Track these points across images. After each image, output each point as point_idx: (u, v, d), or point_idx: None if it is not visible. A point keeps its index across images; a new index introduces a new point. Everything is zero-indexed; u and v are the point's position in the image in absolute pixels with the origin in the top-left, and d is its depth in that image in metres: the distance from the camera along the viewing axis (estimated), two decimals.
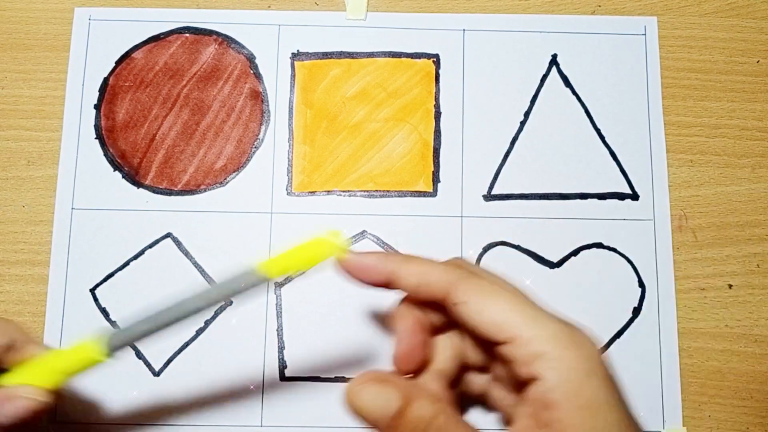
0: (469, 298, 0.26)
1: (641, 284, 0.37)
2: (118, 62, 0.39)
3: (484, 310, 0.26)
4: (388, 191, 0.38)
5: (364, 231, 0.38)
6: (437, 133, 0.39)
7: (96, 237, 0.38)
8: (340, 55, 0.40)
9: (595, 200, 0.38)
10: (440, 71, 0.40)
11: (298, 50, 0.40)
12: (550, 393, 0.24)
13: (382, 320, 0.37)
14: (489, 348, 0.27)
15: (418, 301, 0.28)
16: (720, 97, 0.40)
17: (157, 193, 0.38)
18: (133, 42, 0.40)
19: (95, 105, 0.39)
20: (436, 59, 0.40)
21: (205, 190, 0.38)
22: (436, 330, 0.29)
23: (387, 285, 0.28)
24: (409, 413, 0.25)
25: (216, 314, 0.37)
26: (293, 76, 0.40)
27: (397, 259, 0.28)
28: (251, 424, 0.36)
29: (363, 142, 0.39)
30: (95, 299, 0.37)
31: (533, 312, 0.26)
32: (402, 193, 0.38)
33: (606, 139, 0.39)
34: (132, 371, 0.36)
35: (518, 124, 0.39)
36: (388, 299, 0.37)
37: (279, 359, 0.37)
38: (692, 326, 0.37)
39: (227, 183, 0.38)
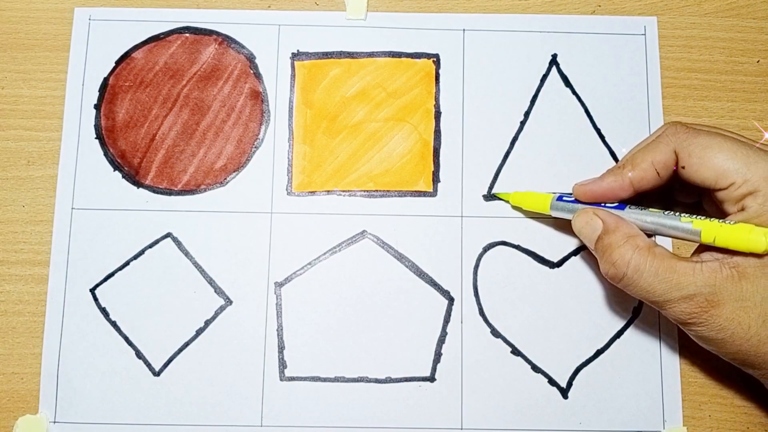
0: (691, 160, 0.31)
1: None
2: (118, 62, 0.39)
3: (706, 165, 0.30)
4: (388, 191, 0.38)
5: (364, 231, 0.38)
6: (437, 133, 0.39)
7: (96, 237, 0.38)
8: (340, 55, 0.40)
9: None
10: (440, 71, 0.40)
11: (298, 50, 0.40)
12: (752, 220, 0.29)
13: (382, 320, 0.37)
14: (701, 191, 0.33)
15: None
16: (720, 97, 0.40)
17: (157, 193, 0.38)
18: (133, 42, 0.40)
19: (95, 105, 0.39)
20: (436, 59, 0.40)
21: (205, 190, 0.38)
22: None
23: (631, 194, 0.33)
24: (607, 239, 0.32)
25: (216, 314, 0.37)
26: (293, 76, 0.40)
27: (626, 169, 0.33)
28: (251, 424, 0.36)
29: (363, 142, 0.39)
30: (95, 299, 0.37)
31: (753, 155, 0.30)
32: (402, 193, 0.38)
33: (606, 139, 0.39)
34: (132, 371, 0.36)
35: (518, 124, 0.39)
36: (388, 298, 0.37)
37: (279, 359, 0.37)
38: None
39: (227, 183, 0.38)
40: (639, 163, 0.32)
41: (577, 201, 0.35)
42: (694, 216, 0.31)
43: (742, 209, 0.30)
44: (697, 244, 0.31)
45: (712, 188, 0.31)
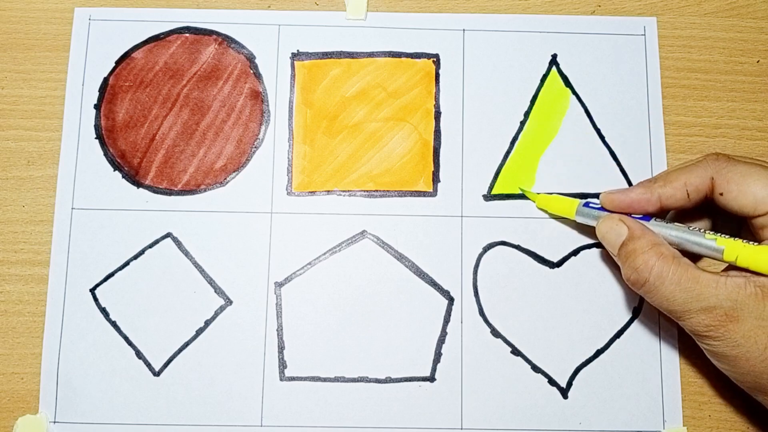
0: (729, 186, 0.31)
1: None
2: (118, 62, 0.39)
3: (744, 192, 0.31)
4: (388, 191, 0.38)
5: (364, 231, 0.38)
6: (437, 133, 0.39)
7: (96, 237, 0.38)
8: (340, 55, 0.40)
9: (595, 200, 0.38)
10: (440, 71, 0.40)
11: (298, 50, 0.40)
12: None
13: (382, 320, 0.37)
14: (739, 221, 0.33)
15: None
16: (720, 97, 0.40)
17: (157, 193, 0.38)
18: (133, 42, 0.40)
19: (95, 105, 0.39)
20: (436, 59, 0.40)
21: (205, 190, 0.38)
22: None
23: (658, 209, 0.33)
24: (631, 245, 0.32)
25: (216, 314, 0.37)
26: (293, 76, 0.40)
27: (658, 184, 0.33)
28: (251, 424, 0.36)
29: (363, 142, 0.39)
30: (95, 299, 0.37)
31: None
32: (402, 193, 0.38)
33: (606, 139, 0.39)
34: (132, 371, 0.36)
35: (518, 124, 0.39)
36: (388, 298, 0.37)
37: (279, 359, 0.37)
38: None
39: (227, 183, 0.38)
40: (672, 180, 0.33)
41: (602, 209, 0.35)
42: (719, 234, 0.31)
43: None
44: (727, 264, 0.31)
45: (750, 215, 0.31)
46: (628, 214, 0.34)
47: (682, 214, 0.35)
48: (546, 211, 0.38)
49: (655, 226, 0.32)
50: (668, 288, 0.30)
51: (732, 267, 0.31)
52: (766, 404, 0.32)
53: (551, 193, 0.38)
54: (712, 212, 0.35)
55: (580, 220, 0.36)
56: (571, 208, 0.36)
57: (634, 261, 0.31)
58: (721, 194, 0.31)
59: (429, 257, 0.38)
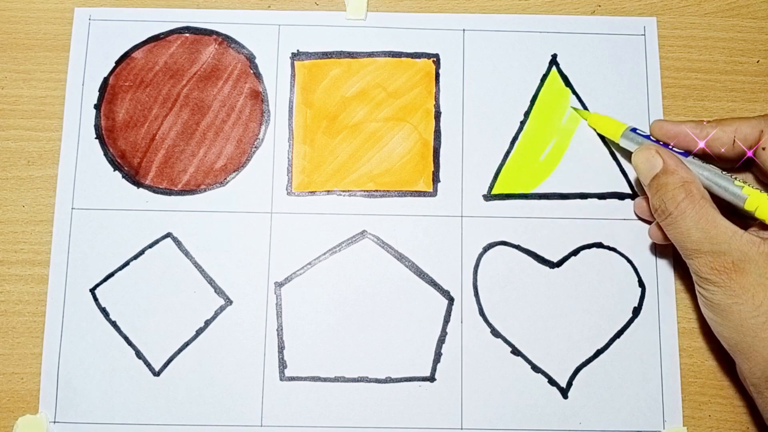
0: None
1: (641, 284, 0.37)
2: (118, 62, 0.39)
3: None
4: (388, 191, 0.38)
5: (364, 231, 0.38)
6: (437, 133, 0.39)
7: (96, 237, 0.38)
8: (340, 54, 0.40)
9: (595, 200, 0.38)
10: (440, 71, 0.40)
11: (298, 50, 0.40)
12: None
13: (382, 320, 0.37)
14: None
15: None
16: (720, 97, 0.40)
17: (157, 193, 0.38)
18: (133, 42, 0.40)
19: (95, 105, 0.39)
20: (436, 59, 0.40)
21: (205, 190, 0.38)
22: None
23: (701, 149, 0.34)
24: (664, 178, 0.33)
25: (216, 314, 0.37)
26: (293, 75, 0.40)
27: (710, 124, 0.34)
28: (251, 424, 0.36)
29: (363, 142, 0.39)
30: (95, 299, 0.37)
31: None
32: (402, 193, 0.38)
33: (606, 139, 0.39)
34: (132, 371, 0.36)
35: (518, 124, 0.39)
36: (388, 298, 0.37)
37: (279, 359, 0.37)
38: (692, 326, 0.37)
39: (227, 183, 0.38)
40: (724, 125, 0.34)
41: (648, 137, 0.36)
42: (748, 184, 0.32)
43: None
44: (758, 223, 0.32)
45: None
46: (671, 147, 0.35)
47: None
48: (595, 130, 0.39)
49: (691, 163, 0.33)
50: (686, 224, 0.31)
51: (761, 228, 0.32)
52: (740, 366, 0.32)
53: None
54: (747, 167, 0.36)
55: (623, 143, 0.37)
56: (617, 130, 0.37)
57: (664, 194, 0.32)
58: (764, 149, 0.33)
59: (429, 257, 0.38)
